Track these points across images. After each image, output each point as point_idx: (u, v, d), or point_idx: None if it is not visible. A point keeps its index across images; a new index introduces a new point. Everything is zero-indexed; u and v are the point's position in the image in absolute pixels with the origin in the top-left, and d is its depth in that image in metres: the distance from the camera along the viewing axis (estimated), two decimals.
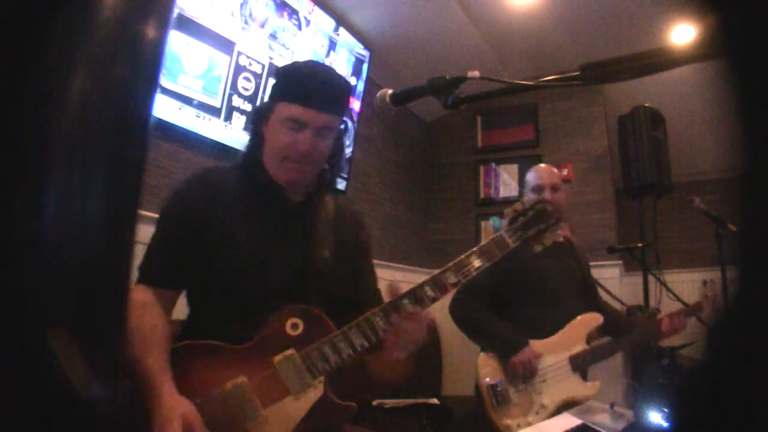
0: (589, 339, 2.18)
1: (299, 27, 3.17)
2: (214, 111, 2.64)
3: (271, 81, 2.93)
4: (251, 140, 1.36)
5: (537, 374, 2.07)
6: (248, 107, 2.82)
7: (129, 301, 1.14)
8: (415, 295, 1.20)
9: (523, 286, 2.22)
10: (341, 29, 3.49)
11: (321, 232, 1.34)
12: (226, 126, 2.70)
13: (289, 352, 1.18)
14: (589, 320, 2.19)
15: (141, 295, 1.19)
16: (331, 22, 3.42)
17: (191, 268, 1.24)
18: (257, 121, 1.34)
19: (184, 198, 1.29)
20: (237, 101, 2.77)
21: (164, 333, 1.17)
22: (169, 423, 1.01)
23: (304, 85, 1.26)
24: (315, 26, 3.30)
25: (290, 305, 1.21)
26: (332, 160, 1.38)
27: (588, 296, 2.38)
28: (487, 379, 2.06)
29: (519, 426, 2.00)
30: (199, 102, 2.53)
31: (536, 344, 2.11)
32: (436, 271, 1.23)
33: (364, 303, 1.38)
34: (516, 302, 2.20)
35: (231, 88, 2.72)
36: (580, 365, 2.13)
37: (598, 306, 2.39)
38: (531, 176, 2.39)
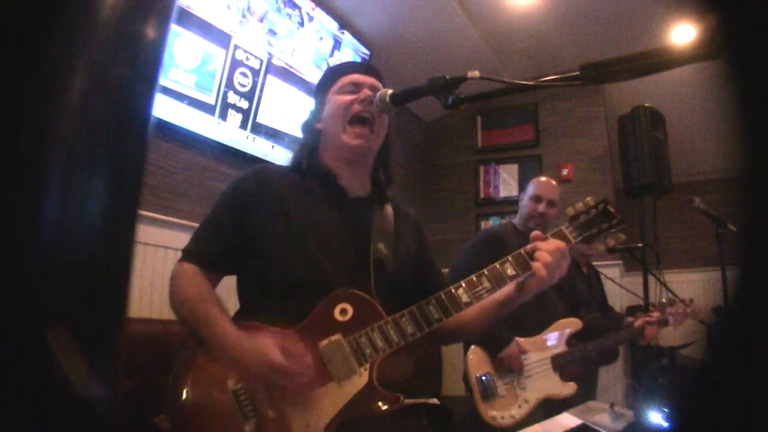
0: (569, 342, 2.34)
1: (302, 23, 3.15)
2: (207, 108, 2.55)
3: (270, 82, 2.92)
4: (305, 138, 1.41)
5: (523, 368, 2.21)
6: (245, 104, 2.74)
7: (178, 271, 1.23)
8: (471, 285, 1.19)
9: None
10: (342, 25, 3.49)
11: (379, 227, 1.33)
12: (219, 123, 2.64)
13: (335, 337, 1.15)
14: (569, 324, 2.35)
15: (190, 267, 1.24)
16: (335, 21, 3.42)
17: (241, 254, 1.26)
18: (310, 122, 1.40)
19: (239, 185, 1.31)
20: (233, 98, 2.67)
21: (217, 296, 1.23)
22: (270, 352, 1.07)
23: (348, 62, 1.51)
24: (318, 23, 3.28)
25: (340, 291, 1.19)
26: (383, 158, 1.42)
27: (570, 301, 2.51)
28: (476, 373, 2.18)
29: (503, 418, 2.13)
30: (191, 98, 2.46)
31: (522, 341, 2.25)
32: (496, 263, 1.20)
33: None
34: None
35: (226, 85, 2.63)
36: (561, 365, 2.27)
37: (578, 312, 2.51)
38: (534, 186, 2.52)
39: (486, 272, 1.19)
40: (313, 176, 1.34)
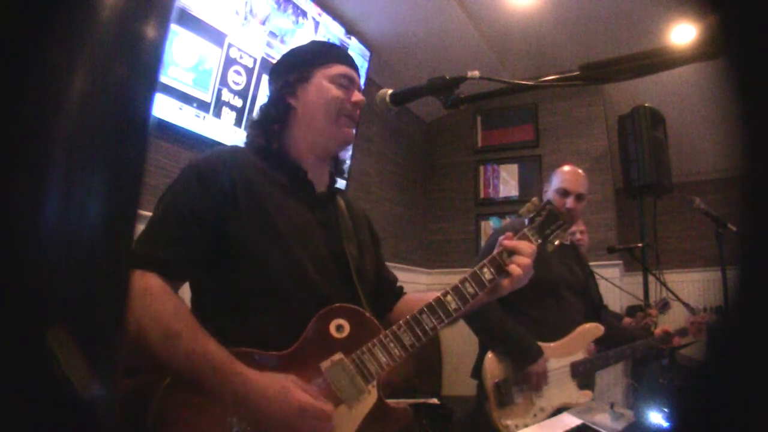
0: (589, 348, 2.23)
1: (305, 27, 3.16)
2: (204, 106, 2.57)
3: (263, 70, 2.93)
4: (276, 111, 1.24)
5: (547, 382, 2.08)
6: (239, 102, 2.75)
7: (141, 286, 0.99)
8: (458, 291, 1.20)
9: (529, 285, 2.21)
10: (349, 30, 3.51)
11: (344, 226, 1.29)
12: (213, 121, 2.63)
13: (337, 356, 1.08)
14: (592, 330, 2.23)
15: (154, 281, 1.00)
16: (342, 25, 3.43)
17: (212, 257, 1.08)
18: (284, 95, 1.25)
19: (208, 173, 1.11)
20: (227, 96, 2.68)
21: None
22: (299, 393, 0.98)
23: (343, 51, 1.35)
24: (325, 27, 3.30)
25: (332, 306, 1.12)
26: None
27: (588, 303, 2.40)
28: (494, 378, 2.07)
29: (518, 427, 2.00)
30: (189, 96, 2.48)
31: (543, 348, 2.12)
32: (474, 267, 1.23)
33: (389, 296, 1.39)
34: (520, 301, 2.12)
35: (221, 82, 2.64)
36: (580, 372, 2.16)
37: (598, 314, 2.42)
38: (560, 178, 2.28)
39: (468, 278, 1.22)
40: (281, 166, 1.22)
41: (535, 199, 1.35)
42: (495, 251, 1.25)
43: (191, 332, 0.98)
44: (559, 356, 2.14)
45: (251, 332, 1.07)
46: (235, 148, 1.26)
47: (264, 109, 1.27)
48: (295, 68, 1.27)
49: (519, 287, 1.24)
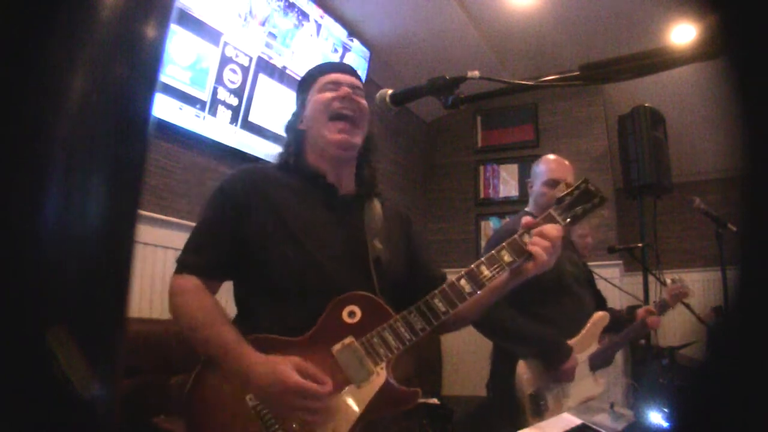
0: (600, 338, 2.19)
1: (305, 28, 3.17)
2: (201, 104, 2.58)
3: (259, 78, 2.92)
4: (289, 138, 1.38)
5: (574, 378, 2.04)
6: (234, 101, 2.75)
7: (178, 287, 1.18)
8: (472, 275, 1.20)
9: (536, 282, 2.15)
10: (351, 32, 3.52)
11: (371, 224, 1.32)
12: (203, 117, 2.63)
13: (348, 340, 1.15)
14: (600, 320, 2.19)
15: (191, 281, 1.20)
16: (345, 27, 3.44)
17: (238, 259, 1.22)
18: (293, 123, 1.38)
19: (228, 189, 1.27)
20: (222, 94, 2.69)
21: (225, 312, 1.20)
22: (287, 373, 1.06)
23: (328, 63, 1.51)
24: (327, 30, 3.30)
25: (346, 293, 1.19)
26: (367, 155, 1.40)
27: (594, 292, 2.37)
28: (529, 389, 2.02)
29: None
30: (187, 95, 2.48)
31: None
32: (492, 251, 1.22)
33: (425, 290, 1.41)
34: (529, 300, 2.06)
35: (216, 81, 2.65)
36: (597, 365, 2.13)
37: (603, 302, 2.40)
38: (543, 168, 2.21)
39: (484, 261, 1.21)
40: (301, 175, 1.32)
41: (570, 180, 1.31)
42: (518, 233, 1.23)
43: (211, 322, 1.15)
44: (579, 352, 2.10)
45: (271, 321, 1.18)
46: (257, 166, 1.40)
47: (284, 138, 1.43)
48: (298, 99, 1.43)
49: (544, 270, 1.21)
